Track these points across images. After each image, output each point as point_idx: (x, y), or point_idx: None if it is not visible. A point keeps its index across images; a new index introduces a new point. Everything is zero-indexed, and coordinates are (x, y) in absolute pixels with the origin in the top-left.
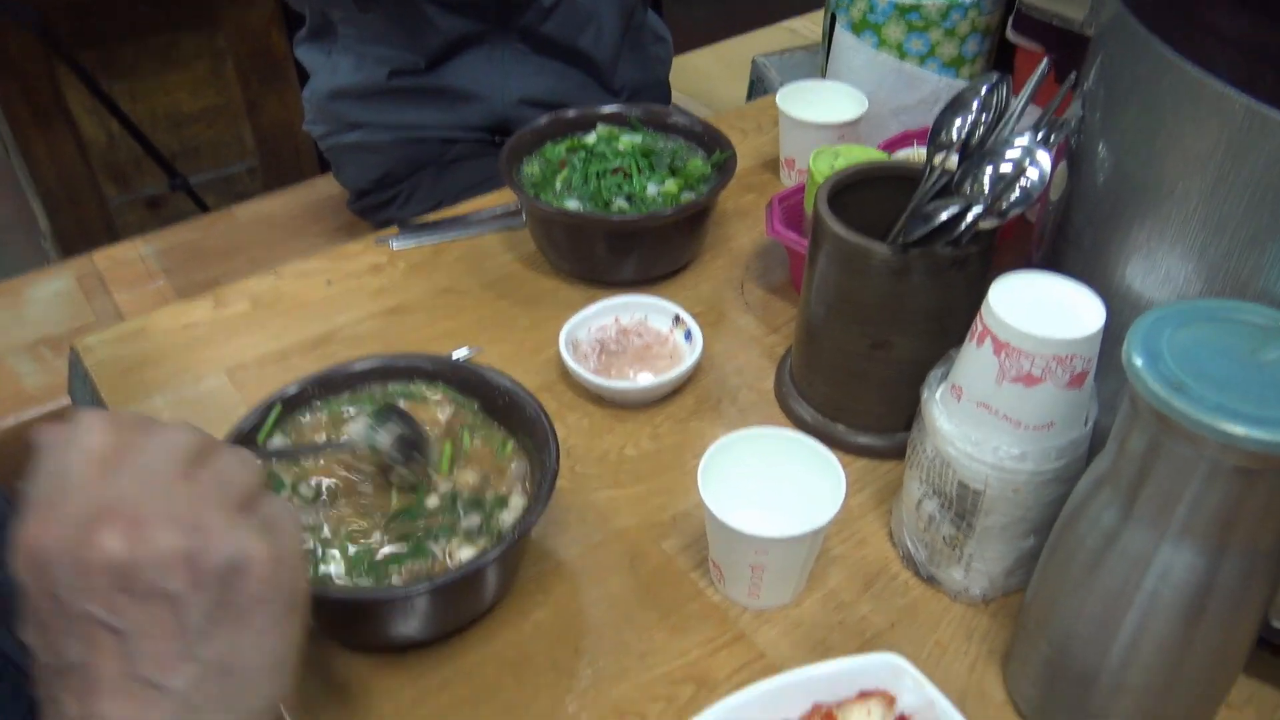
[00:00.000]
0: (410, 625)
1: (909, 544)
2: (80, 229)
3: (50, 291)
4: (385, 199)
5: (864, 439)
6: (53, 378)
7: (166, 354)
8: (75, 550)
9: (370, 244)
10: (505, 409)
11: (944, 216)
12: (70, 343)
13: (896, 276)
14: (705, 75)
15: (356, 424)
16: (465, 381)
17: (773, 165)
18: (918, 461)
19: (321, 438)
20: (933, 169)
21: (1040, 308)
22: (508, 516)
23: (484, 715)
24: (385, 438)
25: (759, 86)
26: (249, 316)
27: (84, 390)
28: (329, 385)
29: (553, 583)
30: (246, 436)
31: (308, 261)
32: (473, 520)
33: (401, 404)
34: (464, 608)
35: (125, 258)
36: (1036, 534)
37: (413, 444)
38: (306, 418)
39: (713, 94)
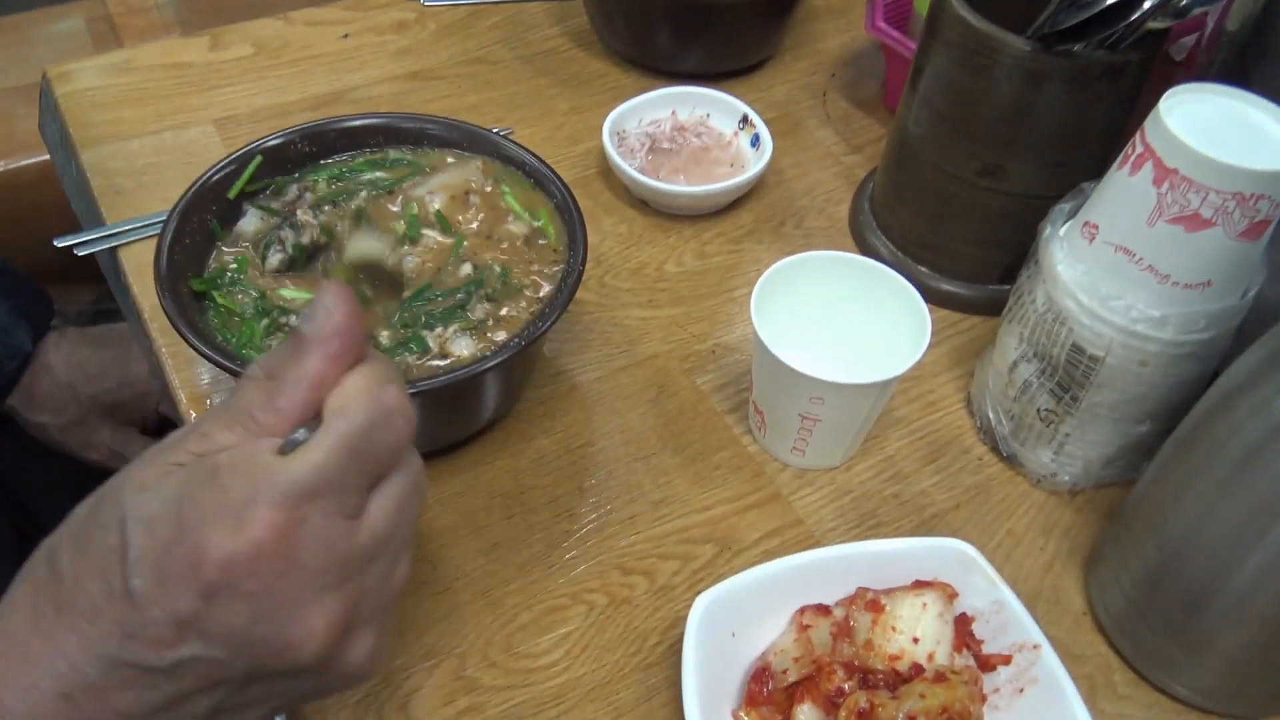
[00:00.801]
0: None
1: (991, 414)
2: None
3: (55, 31)
4: None
5: (949, 286)
6: None
7: (150, 94)
8: (278, 612)
9: None
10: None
11: (1110, 1)
12: None
13: (1029, 82)
14: None
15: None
16: (484, 154)
17: None
18: (1022, 314)
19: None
20: None
21: (1221, 133)
22: (520, 316)
23: (465, 551)
24: (274, 257)
25: None
26: (249, 63)
27: (54, 127)
28: (321, 141)
29: (563, 407)
30: (215, 187)
31: (324, 9)
32: (480, 311)
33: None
34: (453, 422)
35: (141, 5)
36: (1153, 419)
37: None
38: (297, 184)
39: None
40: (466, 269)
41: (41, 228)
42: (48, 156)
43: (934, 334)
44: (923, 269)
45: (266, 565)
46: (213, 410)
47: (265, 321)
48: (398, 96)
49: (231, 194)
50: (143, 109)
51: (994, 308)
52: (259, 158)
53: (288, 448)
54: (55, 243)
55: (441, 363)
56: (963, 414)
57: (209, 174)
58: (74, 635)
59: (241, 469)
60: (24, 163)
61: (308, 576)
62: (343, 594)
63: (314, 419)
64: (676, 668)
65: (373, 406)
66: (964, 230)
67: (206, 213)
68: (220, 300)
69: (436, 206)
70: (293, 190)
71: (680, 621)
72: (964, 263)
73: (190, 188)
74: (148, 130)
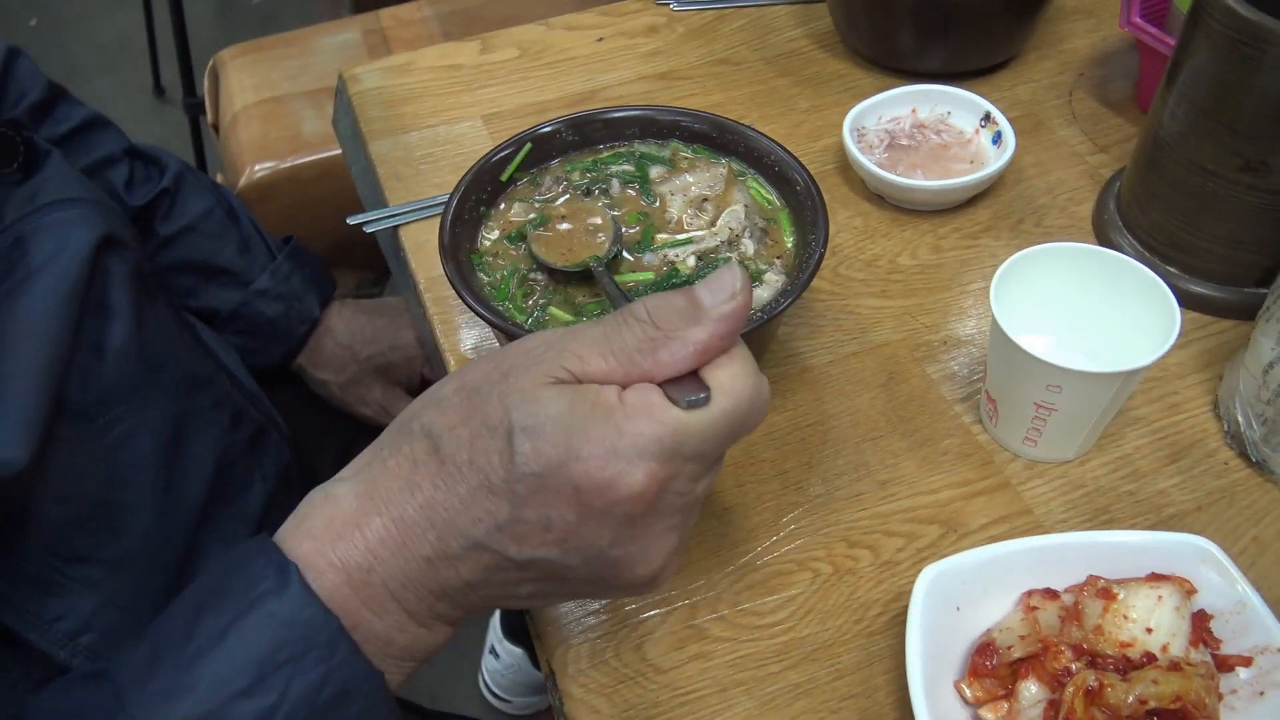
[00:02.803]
0: None
1: (1240, 417)
2: None
3: (336, 43)
4: None
5: (1200, 288)
6: (328, 126)
7: (427, 92)
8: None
9: (650, 3)
10: (773, 181)
11: None
12: None
13: None
14: None
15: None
16: (731, 145)
17: None
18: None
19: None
20: None
21: None
22: (761, 294)
23: (700, 513)
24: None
25: None
26: (513, 65)
27: (346, 120)
28: (583, 131)
29: (795, 386)
30: (492, 170)
31: (581, 15)
32: None
33: (655, 172)
34: None
35: (409, 18)
36: None
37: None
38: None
39: None
40: (698, 261)
41: (320, 217)
42: (328, 154)
43: (1181, 334)
44: (1171, 269)
45: (640, 506)
46: (581, 335)
47: (517, 280)
48: (646, 95)
49: (504, 176)
50: (420, 105)
51: (1248, 311)
52: (529, 145)
53: (689, 403)
54: (348, 220)
55: None
56: (1208, 418)
57: (489, 157)
58: (445, 514)
59: (639, 416)
60: (308, 159)
61: (663, 519)
62: (678, 534)
63: (692, 381)
64: (898, 637)
65: (755, 395)
66: (1219, 229)
67: (481, 193)
68: (483, 273)
69: (678, 204)
70: (548, 181)
71: (903, 595)
72: (1217, 263)
73: (472, 168)
74: (424, 124)
